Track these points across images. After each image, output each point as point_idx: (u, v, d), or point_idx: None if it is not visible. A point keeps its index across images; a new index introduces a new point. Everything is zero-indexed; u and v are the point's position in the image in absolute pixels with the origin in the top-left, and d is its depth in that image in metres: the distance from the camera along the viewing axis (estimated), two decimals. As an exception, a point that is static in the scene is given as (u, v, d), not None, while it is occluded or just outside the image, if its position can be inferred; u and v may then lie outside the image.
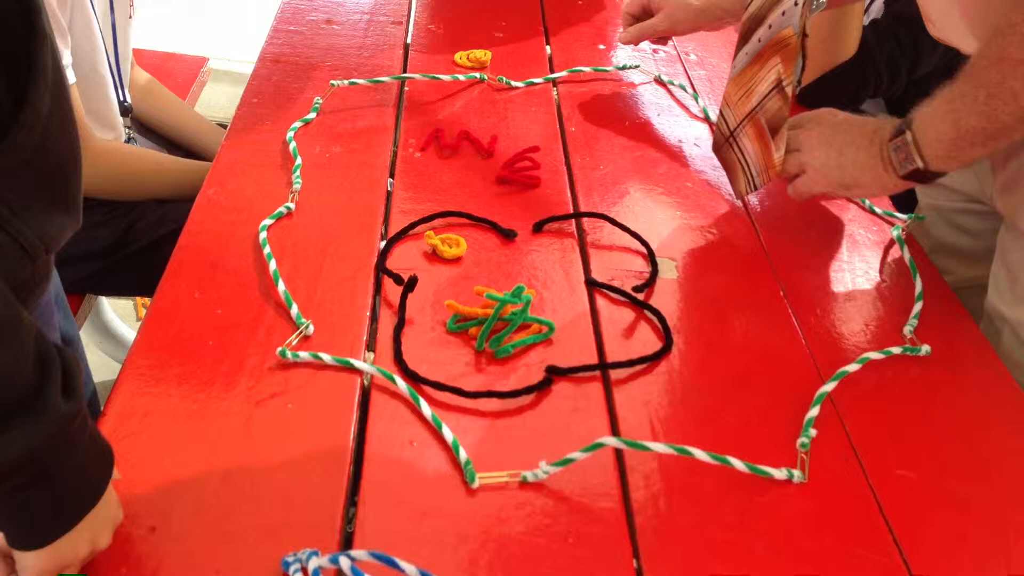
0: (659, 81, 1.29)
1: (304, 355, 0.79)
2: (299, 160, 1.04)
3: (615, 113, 1.22)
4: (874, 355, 0.85)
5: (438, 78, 1.23)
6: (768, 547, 0.67)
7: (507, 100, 1.22)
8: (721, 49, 1.40)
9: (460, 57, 1.30)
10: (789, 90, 0.95)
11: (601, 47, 1.39)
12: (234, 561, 0.63)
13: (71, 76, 1.15)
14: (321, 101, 1.16)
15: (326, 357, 0.79)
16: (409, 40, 1.37)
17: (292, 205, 0.97)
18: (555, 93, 1.26)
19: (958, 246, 1.09)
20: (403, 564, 0.61)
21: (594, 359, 0.83)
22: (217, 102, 2.29)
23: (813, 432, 0.75)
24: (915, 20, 1.02)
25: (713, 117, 1.19)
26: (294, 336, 0.81)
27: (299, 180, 1.01)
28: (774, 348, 0.86)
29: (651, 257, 0.95)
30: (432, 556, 0.64)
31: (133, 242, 1.28)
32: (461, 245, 0.94)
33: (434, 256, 0.93)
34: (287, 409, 0.75)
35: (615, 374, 0.81)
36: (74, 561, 0.59)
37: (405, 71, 1.27)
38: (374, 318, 0.86)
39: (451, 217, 0.98)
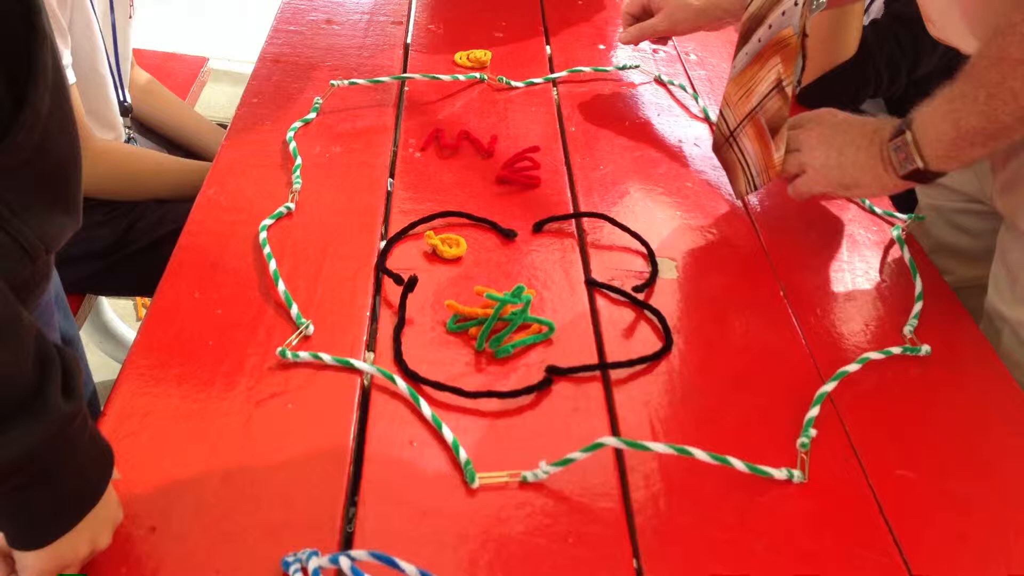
0: (659, 81, 1.29)
1: (304, 355, 0.79)
2: (299, 160, 1.04)
3: (615, 113, 1.22)
4: (874, 355, 0.85)
5: (438, 78, 1.23)
6: (768, 547, 0.67)
7: (507, 100, 1.22)
8: (721, 49, 1.40)
9: (460, 57, 1.30)
10: (789, 90, 0.95)
11: (601, 47, 1.39)
12: (234, 561, 0.63)
13: (71, 76, 1.15)
14: (321, 101, 1.16)
15: (326, 357, 0.79)
16: (409, 40, 1.37)
17: (292, 205, 0.97)
18: (555, 93, 1.26)
19: (958, 246, 1.09)
20: (403, 564, 0.61)
21: (594, 359, 0.83)
22: (217, 102, 2.29)
23: (813, 432, 0.75)
24: (915, 20, 1.02)
25: (713, 117, 1.19)
26: (294, 336, 0.81)
27: (299, 180, 1.01)
28: (774, 348, 0.86)
29: (651, 257, 0.95)
30: (432, 556, 0.64)
31: (133, 242, 1.28)
32: (461, 245, 0.94)
33: (434, 256, 0.93)
34: (287, 409, 0.75)
35: (615, 374, 0.81)
36: (74, 561, 0.59)
37: (405, 71, 1.27)
38: (374, 318, 0.86)
39: (451, 217, 0.98)
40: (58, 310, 0.94)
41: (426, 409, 0.75)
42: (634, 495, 0.70)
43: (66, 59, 1.13)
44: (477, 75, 1.25)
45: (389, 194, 1.03)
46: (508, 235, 0.97)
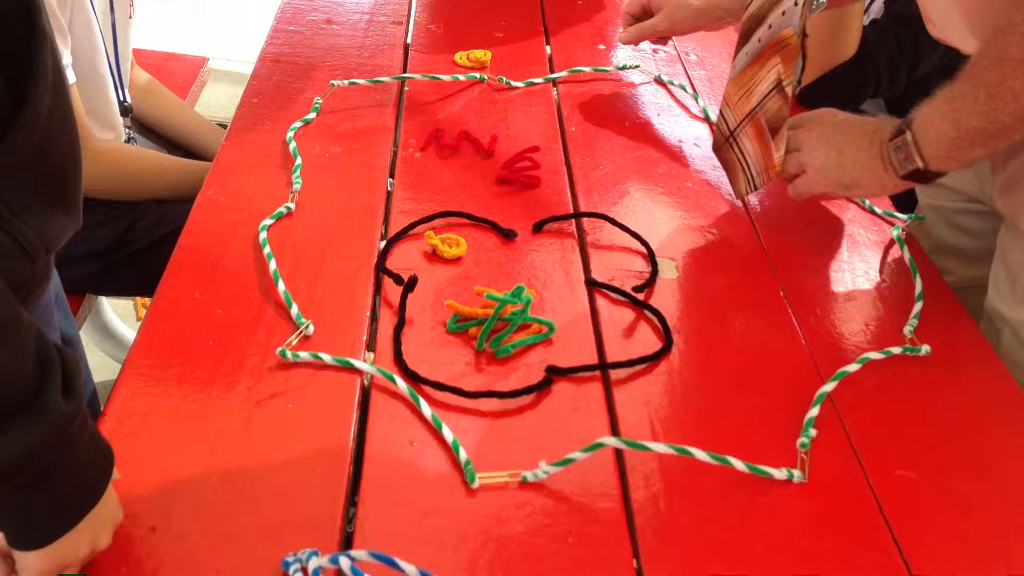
0: (659, 81, 1.29)
1: (304, 355, 0.79)
2: (299, 160, 1.04)
3: (615, 113, 1.22)
4: (874, 355, 0.85)
5: (438, 78, 1.23)
6: (768, 547, 0.67)
7: (507, 100, 1.22)
8: (721, 49, 1.40)
9: (460, 57, 1.30)
10: (789, 90, 0.95)
11: (601, 47, 1.39)
12: (234, 561, 0.63)
13: (71, 76, 1.15)
14: (321, 101, 1.16)
15: (326, 357, 0.79)
16: (409, 40, 1.37)
17: (292, 205, 0.97)
18: (555, 93, 1.26)
19: (958, 246, 1.09)
20: (403, 564, 0.61)
21: (594, 359, 0.83)
22: (217, 102, 2.29)
23: (813, 432, 0.75)
24: (915, 20, 1.02)
25: (713, 117, 1.19)
26: (294, 336, 0.81)
27: (299, 180, 1.01)
28: (774, 348, 0.86)
29: (651, 257, 0.95)
30: (432, 556, 0.64)
31: (133, 242, 1.28)
32: (461, 245, 0.94)
33: (434, 256, 0.93)
34: (287, 409, 0.75)
35: (615, 374, 0.81)
36: (74, 561, 0.59)
37: (405, 71, 1.27)
38: (374, 318, 0.86)
39: (451, 217, 0.98)
40: (58, 310, 0.94)
41: (426, 409, 0.75)
42: (634, 495, 0.70)
43: (66, 59, 1.13)
44: (477, 75, 1.25)
45: (389, 194, 1.03)
46: (508, 235, 0.97)
